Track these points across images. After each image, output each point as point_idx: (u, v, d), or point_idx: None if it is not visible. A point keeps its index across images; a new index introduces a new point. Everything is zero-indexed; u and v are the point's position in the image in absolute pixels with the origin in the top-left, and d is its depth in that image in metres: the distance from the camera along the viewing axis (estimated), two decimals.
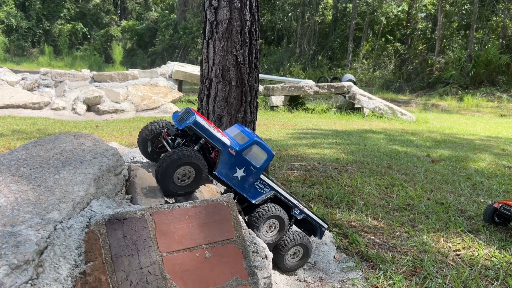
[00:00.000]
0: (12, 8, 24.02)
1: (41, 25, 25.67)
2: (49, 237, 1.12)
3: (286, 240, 1.85)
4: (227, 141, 1.66)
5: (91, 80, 8.66)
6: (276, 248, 1.86)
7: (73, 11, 28.25)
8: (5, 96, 7.76)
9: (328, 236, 2.32)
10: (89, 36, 27.70)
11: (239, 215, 1.53)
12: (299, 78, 17.78)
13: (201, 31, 2.99)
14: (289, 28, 24.42)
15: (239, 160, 1.68)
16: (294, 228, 2.00)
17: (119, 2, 31.48)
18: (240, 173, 1.70)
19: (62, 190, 1.27)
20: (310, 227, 2.00)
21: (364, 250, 2.23)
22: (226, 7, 2.80)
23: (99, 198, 1.35)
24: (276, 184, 1.84)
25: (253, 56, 3.01)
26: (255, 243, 1.64)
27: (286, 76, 18.65)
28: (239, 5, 2.81)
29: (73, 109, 7.94)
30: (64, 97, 8.24)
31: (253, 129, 3.25)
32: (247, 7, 2.84)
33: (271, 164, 3.94)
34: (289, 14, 24.48)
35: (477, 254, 2.24)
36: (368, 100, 9.63)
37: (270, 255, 1.61)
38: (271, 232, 1.80)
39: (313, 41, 23.59)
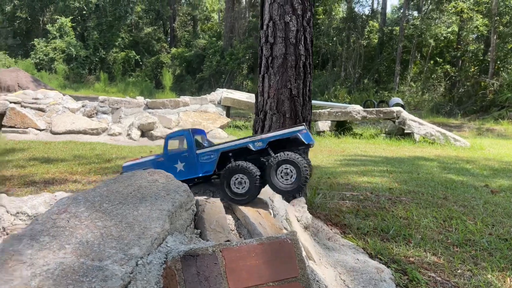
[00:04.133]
0: (72, 38, 25.83)
1: (98, 54, 27.33)
2: (132, 272, 1.21)
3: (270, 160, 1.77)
4: (152, 157, 2.01)
5: (145, 107, 9.09)
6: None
7: (127, 40, 29.95)
8: (67, 122, 8.30)
9: (386, 272, 2.28)
10: (141, 63, 29.15)
11: (303, 251, 1.56)
12: (345, 102, 17.68)
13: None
14: (334, 52, 24.48)
15: (169, 159, 1.95)
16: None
17: (169, 31, 33.01)
18: (180, 166, 1.93)
19: (141, 226, 1.36)
20: (288, 144, 1.89)
21: None
22: (282, 43, 2.91)
23: (173, 234, 1.44)
24: (223, 143, 1.94)
25: (307, 88, 3.08)
26: (317, 281, 1.66)
27: (331, 100, 18.61)
28: (294, 40, 2.90)
29: (128, 134, 8.34)
30: (120, 123, 8.69)
31: None
32: (302, 42, 2.93)
33: (323, 195, 3.94)
34: (334, 39, 24.58)
35: None
36: (419, 125, 9.39)
37: None
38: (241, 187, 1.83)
39: (358, 65, 23.47)
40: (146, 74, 28.07)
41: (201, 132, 2.11)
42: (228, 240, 1.55)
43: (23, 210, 1.96)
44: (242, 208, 1.79)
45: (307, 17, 2.91)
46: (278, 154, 1.75)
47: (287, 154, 1.74)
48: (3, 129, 7.90)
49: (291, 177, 1.75)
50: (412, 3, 24.87)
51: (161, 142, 8.22)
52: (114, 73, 26.24)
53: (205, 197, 1.86)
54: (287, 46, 2.91)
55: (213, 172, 1.90)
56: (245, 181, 1.78)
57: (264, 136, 1.83)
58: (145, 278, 1.22)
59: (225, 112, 10.06)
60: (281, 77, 2.95)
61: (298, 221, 2.31)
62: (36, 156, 5.85)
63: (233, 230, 1.73)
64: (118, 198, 1.49)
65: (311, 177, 1.87)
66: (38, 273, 1.13)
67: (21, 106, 8.28)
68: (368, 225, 3.10)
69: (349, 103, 16.85)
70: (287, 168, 1.74)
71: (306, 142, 1.86)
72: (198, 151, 1.91)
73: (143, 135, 8.49)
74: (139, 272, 1.22)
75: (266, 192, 2.19)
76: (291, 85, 2.96)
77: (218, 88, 11.31)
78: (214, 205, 1.69)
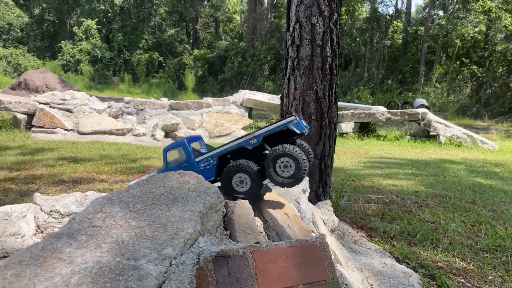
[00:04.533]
0: (97, 40, 26.41)
1: (122, 55, 27.88)
2: (166, 272, 1.23)
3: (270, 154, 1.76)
4: (154, 173, 2.02)
5: (169, 108, 9.22)
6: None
7: (150, 41, 30.42)
8: (93, 123, 8.50)
9: (414, 277, 2.25)
10: (164, 64, 29.55)
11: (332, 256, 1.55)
12: (368, 103, 17.48)
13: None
14: (357, 52, 24.24)
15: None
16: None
17: (191, 32, 33.34)
18: None
19: (174, 227, 1.39)
20: (284, 135, 1.86)
21: None
22: (308, 44, 2.90)
23: (204, 235, 1.46)
24: (219, 147, 1.92)
25: (333, 90, 3.06)
26: (346, 285, 1.65)
27: (354, 101, 18.43)
28: (320, 42, 2.89)
29: (152, 135, 8.47)
30: (144, 124, 8.83)
31: (331, 162, 3.27)
32: (329, 44, 2.91)
33: (347, 197, 3.91)
34: (357, 39, 24.34)
35: None
36: (445, 127, 9.20)
37: None
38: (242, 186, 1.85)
39: (382, 65, 23.17)
40: (169, 75, 28.44)
41: (197, 138, 2.11)
42: (257, 242, 1.56)
43: (56, 209, 2.02)
44: (270, 210, 1.80)
45: (334, 18, 2.90)
46: (275, 148, 1.75)
47: (284, 148, 1.73)
48: (32, 129, 8.14)
49: (288, 171, 1.76)
50: (437, 2, 24.41)
51: None
52: (138, 74, 26.70)
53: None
54: (313, 48, 2.90)
55: (215, 177, 1.91)
56: (245, 179, 1.82)
57: (256, 133, 1.84)
58: (178, 278, 1.25)
59: (247, 114, 10.10)
60: (307, 79, 2.94)
61: (325, 224, 2.30)
62: (64, 155, 6.01)
63: (261, 232, 1.74)
64: (151, 199, 1.52)
65: (312, 163, 1.92)
66: (77, 270, 1.17)
67: (50, 107, 8.52)
68: (394, 228, 3.07)
69: (372, 104, 16.66)
70: (286, 161, 1.75)
71: (298, 132, 1.83)
72: (197, 159, 1.92)
73: (167, 135, 8.60)
74: (173, 272, 1.25)
75: (293, 194, 2.19)
76: (317, 87, 2.95)
77: (240, 90, 11.37)
78: (243, 207, 1.71)
